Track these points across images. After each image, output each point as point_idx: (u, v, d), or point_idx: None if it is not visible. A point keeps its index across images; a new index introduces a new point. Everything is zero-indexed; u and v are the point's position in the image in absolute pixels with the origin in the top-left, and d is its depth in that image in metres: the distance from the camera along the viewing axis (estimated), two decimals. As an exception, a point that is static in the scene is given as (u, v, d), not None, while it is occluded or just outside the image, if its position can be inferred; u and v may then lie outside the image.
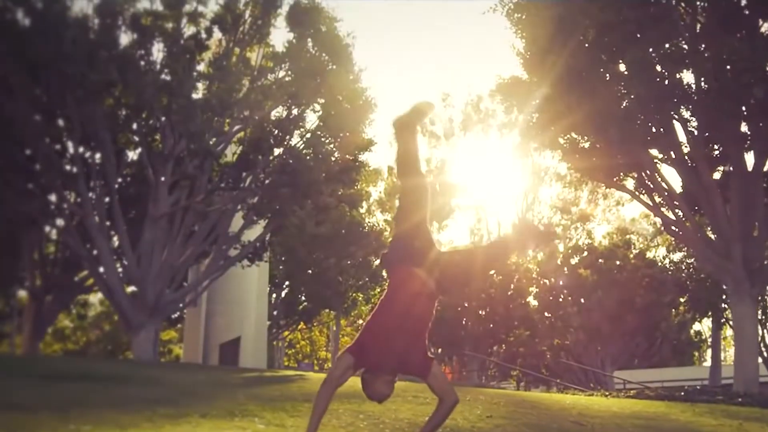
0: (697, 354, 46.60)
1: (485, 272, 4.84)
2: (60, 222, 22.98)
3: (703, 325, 44.32)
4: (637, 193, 17.99)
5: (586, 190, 44.19)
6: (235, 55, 21.82)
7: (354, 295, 32.42)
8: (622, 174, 17.44)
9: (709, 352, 50.26)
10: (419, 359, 4.55)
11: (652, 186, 17.27)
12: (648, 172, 16.99)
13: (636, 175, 17.44)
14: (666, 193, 17.13)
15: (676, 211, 17.19)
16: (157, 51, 20.90)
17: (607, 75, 15.80)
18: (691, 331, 41.86)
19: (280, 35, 74.38)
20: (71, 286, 24.77)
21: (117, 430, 4.85)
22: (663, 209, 17.95)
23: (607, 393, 14.54)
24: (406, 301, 4.51)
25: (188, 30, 21.41)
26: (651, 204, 17.83)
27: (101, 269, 21.50)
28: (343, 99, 22.56)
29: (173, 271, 21.40)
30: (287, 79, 22.03)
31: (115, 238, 22.55)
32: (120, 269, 22.06)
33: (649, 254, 35.73)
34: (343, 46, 22.31)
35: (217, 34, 21.86)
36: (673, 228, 18.05)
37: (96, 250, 21.48)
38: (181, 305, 23.46)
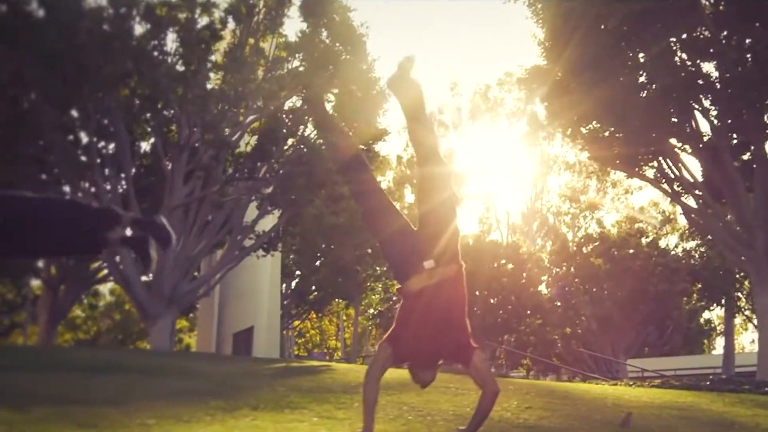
0: (706, 342, 46.66)
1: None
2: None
3: (713, 314, 44.46)
4: (657, 181, 17.94)
5: (594, 178, 44.30)
6: (248, 45, 21.77)
7: (372, 284, 32.43)
8: (642, 163, 17.39)
9: (718, 340, 50.45)
10: (457, 347, 4.52)
11: (672, 175, 17.23)
12: (669, 161, 16.94)
13: (656, 165, 17.40)
14: (689, 182, 17.07)
15: (698, 200, 17.16)
16: (171, 41, 20.93)
17: (630, 64, 15.73)
18: (701, 320, 41.91)
19: (291, 25, 74.09)
20: (86, 277, 24.80)
21: (180, 424, 4.86)
22: (683, 198, 17.90)
23: (631, 383, 14.52)
24: (427, 293, 4.43)
25: (202, 20, 21.39)
26: (672, 192, 17.78)
27: (117, 259, 21.52)
28: (357, 89, 22.52)
29: (189, 261, 21.42)
30: (301, 69, 21.99)
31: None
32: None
33: (661, 243, 35.72)
34: (357, 36, 22.24)
35: (231, 24, 21.84)
36: (693, 217, 18.01)
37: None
38: (197, 295, 23.46)
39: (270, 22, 21.84)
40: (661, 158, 17.36)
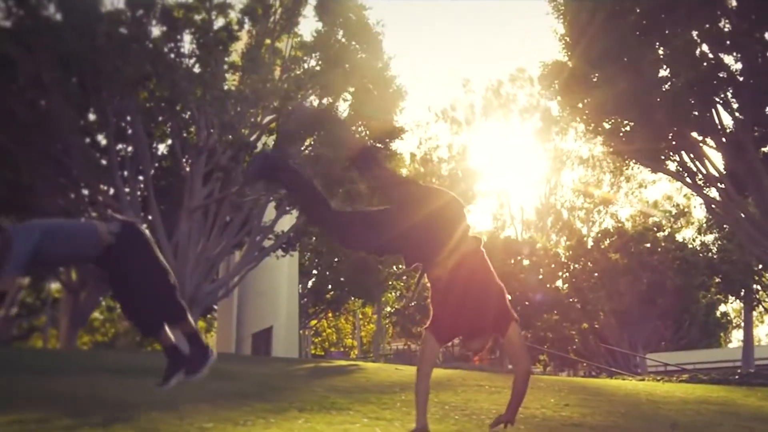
0: (723, 335, 46.44)
1: None
2: (94, 215, 23.07)
3: (728, 306, 44.25)
4: (679, 175, 17.86)
5: (609, 173, 44.14)
6: (265, 45, 21.78)
7: (393, 282, 32.40)
8: (663, 157, 17.32)
9: (734, 333, 50.23)
10: (494, 317, 4.50)
11: (695, 168, 17.18)
12: (692, 154, 16.89)
13: (678, 159, 17.33)
14: (712, 175, 16.99)
15: (721, 193, 17.08)
16: (188, 43, 20.96)
17: (652, 57, 15.67)
18: (718, 313, 41.73)
19: (307, 24, 74.18)
20: (106, 280, 24.85)
21: (238, 428, 4.87)
22: (705, 191, 17.83)
23: (658, 378, 14.47)
24: (454, 272, 4.45)
25: (218, 21, 21.41)
26: (694, 185, 17.70)
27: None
28: (374, 87, 22.53)
29: (209, 262, 21.47)
30: (317, 68, 22.00)
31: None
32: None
33: (678, 237, 35.57)
34: (373, 34, 22.25)
35: (247, 25, 21.82)
36: (715, 209, 17.94)
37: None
38: (217, 296, 23.52)
39: (286, 22, 21.83)
40: (683, 152, 17.29)
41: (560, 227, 44.66)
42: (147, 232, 5.02)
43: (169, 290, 4.85)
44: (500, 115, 43.86)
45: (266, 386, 7.83)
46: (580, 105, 16.69)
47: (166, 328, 4.96)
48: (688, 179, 17.65)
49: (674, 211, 43.61)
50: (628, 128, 16.91)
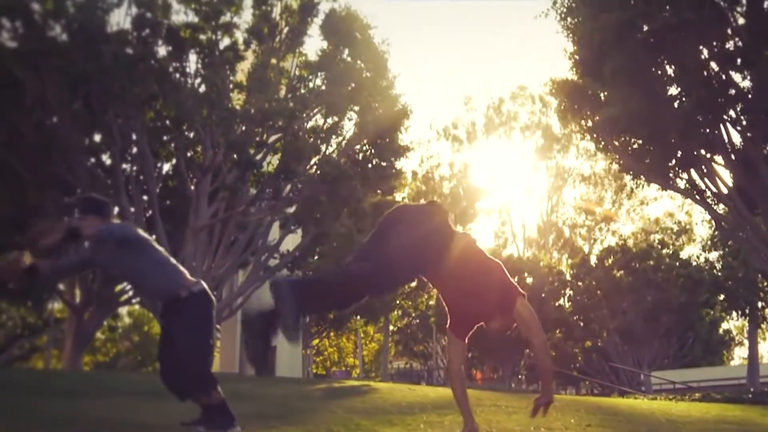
0: (726, 353, 46.35)
1: None
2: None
3: (731, 324, 44.17)
4: (689, 192, 17.88)
5: (610, 190, 44.26)
6: (271, 65, 21.82)
7: (401, 302, 32.25)
8: (673, 174, 17.35)
9: (736, 350, 50.13)
10: (498, 297, 4.39)
11: (704, 186, 17.21)
12: (703, 170, 16.93)
13: (686, 176, 17.37)
14: (723, 193, 17.01)
15: (731, 210, 17.08)
16: (193, 62, 21.00)
17: (661, 75, 15.75)
18: (720, 330, 41.66)
19: (311, 43, 74.63)
20: (111, 300, 24.78)
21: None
22: (715, 208, 17.85)
23: (671, 397, 14.41)
24: (452, 267, 4.35)
25: (223, 41, 21.46)
26: (704, 202, 17.71)
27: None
28: (379, 106, 22.59)
29: (215, 282, 21.40)
30: (323, 87, 22.06)
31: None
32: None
33: (682, 254, 35.58)
34: (378, 53, 22.34)
35: (253, 44, 21.86)
36: (724, 226, 17.94)
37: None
38: (223, 316, 23.42)
39: (291, 42, 21.89)
40: (692, 169, 17.33)
41: (562, 245, 44.71)
42: (214, 311, 5.06)
43: (206, 365, 4.98)
44: (501, 132, 43.98)
45: (286, 408, 7.77)
46: (590, 123, 16.73)
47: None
48: (697, 196, 17.68)
49: (676, 228, 43.73)
50: (636, 146, 16.95)
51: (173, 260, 5.02)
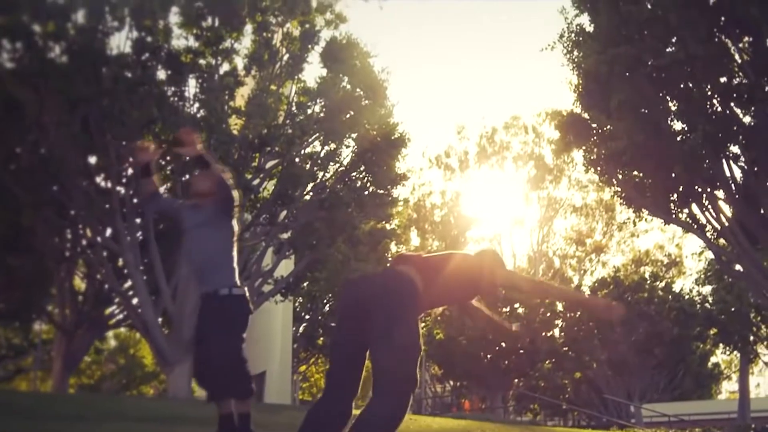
0: (714, 387, 46.36)
1: None
2: (93, 257, 22.84)
3: (719, 357, 44.24)
4: (690, 226, 17.97)
5: (601, 221, 44.45)
6: (270, 91, 21.84)
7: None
8: (674, 207, 17.44)
9: (724, 384, 50.16)
10: (470, 286, 4.21)
11: (704, 220, 17.31)
12: (705, 203, 17.05)
13: (687, 211, 17.47)
14: (725, 227, 17.09)
15: (732, 243, 17.16)
16: (192, 87, 20.98)
17: (669, 111, 15.92)
18: (709, 364, 41.71)
19: (310, 70, 74.85)
20: (101, 322, 24.54)
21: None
22: (713, 241, 17.94)
23: (671, 430, 14.34)
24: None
25: (223, 66, 21.47)
26: (704, 236, 17.78)
27: (135, 302, 21.33)
28: (377, 134, 22.62)
29: (209, 307, 21.19)
30: (321, 114, 22.09)
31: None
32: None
33: (674, 287, 35.67)
34: (378, 81, 22.40)
35: (252, 70, 21.90)
36: (724, 259, 18.02)
37: (132, 285, 21.32)
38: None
39: (291, 68, 21.95)
40: (693, 203, 17.45)
41: (552, 275, 44.74)
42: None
43: (245, 366, 4.91)
44: (494, 162, 44.15)
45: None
46: (593, 156, 16.84)
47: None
48: (698, 230, 17.76)
49: (666, 260, 43.88)
50: (636, 180, 17.05)
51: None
